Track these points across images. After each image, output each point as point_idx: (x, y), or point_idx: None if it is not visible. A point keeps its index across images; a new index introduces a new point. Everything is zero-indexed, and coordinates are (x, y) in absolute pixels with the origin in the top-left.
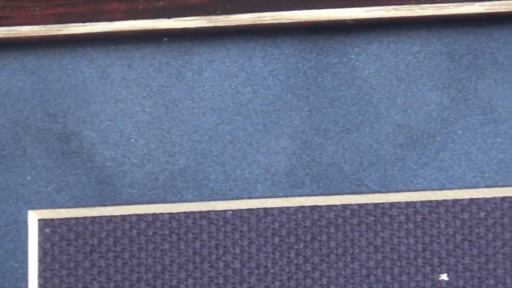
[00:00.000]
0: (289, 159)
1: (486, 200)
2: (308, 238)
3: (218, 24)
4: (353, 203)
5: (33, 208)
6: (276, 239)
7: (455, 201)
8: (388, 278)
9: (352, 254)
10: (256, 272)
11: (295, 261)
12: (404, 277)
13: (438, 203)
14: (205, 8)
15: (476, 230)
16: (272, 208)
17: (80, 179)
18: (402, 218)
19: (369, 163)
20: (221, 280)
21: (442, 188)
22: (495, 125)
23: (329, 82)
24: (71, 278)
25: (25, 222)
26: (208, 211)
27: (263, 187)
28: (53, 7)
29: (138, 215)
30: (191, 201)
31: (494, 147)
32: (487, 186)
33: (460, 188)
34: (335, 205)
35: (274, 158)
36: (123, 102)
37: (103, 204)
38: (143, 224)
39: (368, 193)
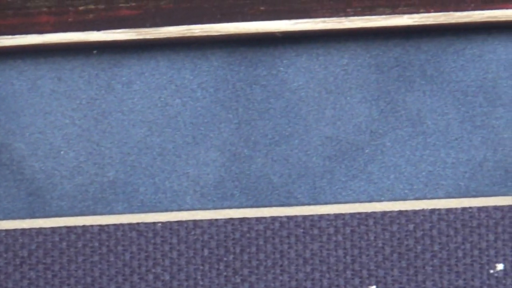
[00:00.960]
0: (218, 171)
1: (415, 212)
2: (237, 250)
3: (148, 36)
4: (282, 215)
5: None
6: (206, 251)
7: (384, 213)
8: None
9: (281, 266)
10: (186, 284)
11: (224, 273)
12: None
13: (367, 215)
14: (134, 20)
15: (405, 242)
16: (201, 220)
17: (10, 191)
18: (331, 230)
19: (298, 175)
20: None
21: (371, 200)
22: (424, 137)
23: (258, 94)
24: None
25: None
26: (138, 223)
27: (193, 199)
28: None
29: (68, 227)
30: (120, 213)
31: (422, 159)
32: (416, 198)
33: (389, 200)
34: (264, 217)
35: (203, 170)
36: (53, 114)
37: (33, 216)
38: (73, 236)
39: (297, 205)
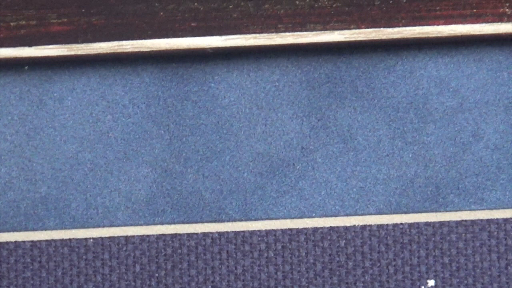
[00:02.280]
0: (150, 187)
1: (346, 228)
2: (169, 266)
3: (79, 52)
4: (213, 231)
5: None
6: (137, 267)
7: (315, 229)
8: None
9: (213, 282)
10: None
11: None
12: None
13: (298, 231)
14: (65, 36)
15: (336, 259)
16: (133, 236)
17: None
18: (263, 246)
19: (229, 191)
20: None
21: (302, 216)
22: (355, 154)
23: (190, 110)
24: None
25: None
26: (70, 239)
27: (124, 215)
28: None
29: (0, 243)
30: (52, 229)
31: (353, 175)
32: (347, 215)
33: (320, 216)
34: (196, 233)
35: (135, 186)
36: None
37: None
38: (4, 252)
39: (228, 221)
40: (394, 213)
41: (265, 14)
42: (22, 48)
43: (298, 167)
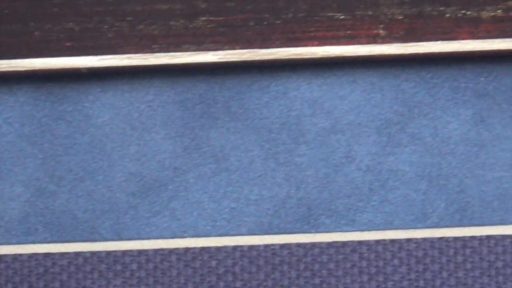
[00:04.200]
0: (23, 206)
1: (218, 248)
2: (41, 285)
3: None
4: (85, 250)
5: None
6: (10, 286)
7: (187, 250)
8: None
9: None
10: None
11: None
12: None
13: (170, 251)
14: None
15: (208, 279)
16: (5, 255)
17: None
18: (134, 266)
19: (102, 211)
20: None
21: (174, 236)
22: (227, 174)
23: (64, 129)
24: None
25: None
26: None
27: None
28: None
29: None
30: None
31: (226, 195)
32: (219, 235)
33: (192, 236)
34: (68, 252)
35: (8, 205)
36: None
37: None
38: None
39: (100, 240)
40: (265, 233)
41: (139, 35)
42: None
43: (170, 187)
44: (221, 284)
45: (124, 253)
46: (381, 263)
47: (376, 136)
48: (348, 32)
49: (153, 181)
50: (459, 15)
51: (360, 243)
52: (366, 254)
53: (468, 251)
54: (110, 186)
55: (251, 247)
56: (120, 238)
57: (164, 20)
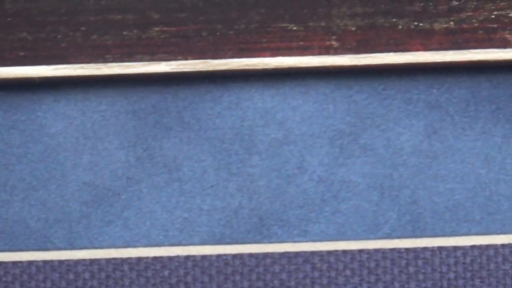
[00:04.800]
0: None
1: (170, 258)
2: None
3: None
4: (38, 259)
5: None
6: None
7: (139, 259)
8: None
9: None
10: None
11: None
12: None
13: (123, 260)
14: None
15: None
16: None
17: None
18: (87, 275)
19: (55, 220)
20: None
21: (126, 245)
22: (180, 184)
23: (17, 139)
24: None
25: None
26: None
27: None
28: None
29: None
30: None
31: (178, 205)
32: (171, 245)
33: (144, 246)
34: (21, 261)
35: None
36: None
37: None
38: None
39: (53, 249)
40: (218, 243)
41: (93, 45)
42: None
43: (123, 196)
44: None
45: (77, 262)
46: (333, 274)
47: (329, 147)
48: (301, 43)
49: (106, 190)
50: (412, 26)
51: (312, 253)
52: (318, 265)
53: (420, 262)
54: (63, 195)
55: (203, 257)
56: (72, 247)
57: (117, 30)
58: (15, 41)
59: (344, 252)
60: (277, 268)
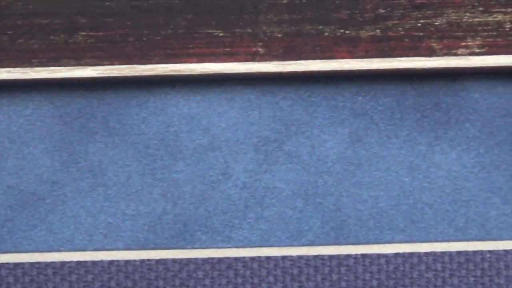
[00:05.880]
0: None
1: (94, 263)
2: None
3: None
4: None
5: None
6: None
7: (63, 264)
8: None
9: None
10: None
11: None
12: None
13: (47, 264)
14: None
15: None
16: None
17: None
18: (11, 279)
19: None
20: None
21: (50, 250)
22: (105, 189)
23: None
24: None
25: None
26: None
27: None
28: None
29: None
30: None
31: (103, 210)
32: (95, 249)
33: (68, 250)
34: None
35: None
36: None
37: None
38: None
39: None
40: (141, 249)
41: (19, 49)
42: None
43: (48, 201)
44: None
45: (1, 266)
46: (256, 280)
47: (253, 154)
48: (227, 49)
49: (30, 194)
50: (338, 34)
51: (236, 259)
52: (241, 271)
53: (343, 269)
54: None
55: (127, 262)
56: None
57: (44, 34)
58: None
59: (268, 258)
60: (200, 274)
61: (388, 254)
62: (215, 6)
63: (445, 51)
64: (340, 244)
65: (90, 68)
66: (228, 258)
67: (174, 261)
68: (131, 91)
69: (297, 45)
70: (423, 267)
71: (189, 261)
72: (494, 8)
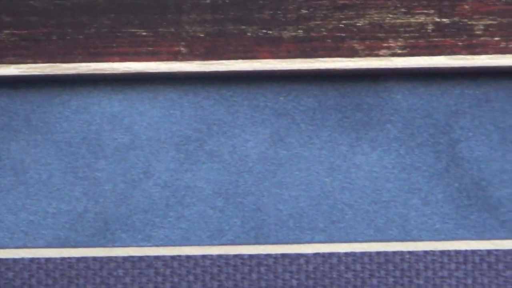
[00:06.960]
0: None
1: (15, 260)
2: None
3: None
4: None
5: None
6: None
7: None
8: None
9: None
10: None
11: None
12: None
13: None
14: None
15: None
16: None
17: None
18: None
19: None
20: None
21: None
22: (26, 187)
23: None
24: None
25: None
26: None
27: None
28: None
29: None
30: None
31: (24, 208)
32: (16, 247)
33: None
34: None
35: None
36: None
37: None
38: None
39: None
40: (62, 246)
41: None
42: None
43: None
44: None
45: None
46: (176, 279)
47: (175, 153)
48: (150, 48)
49: None
50: (260, 34)
51: (156, 258)
52: (161, 270)
53: (263, 269)
54: None
55: (48, 260)
56: None
57: None
58: None
59: (188, 257)
60: (120, 272)
61: (307, 254)
62: (138, 6)
63: (367, 52)
64: (260, 243)
65: (13, 66)
66: (148, 256)
67: (94, 259)
68: (53, 89)
69: (219, 45)
70: (342, 267)
71: (109, 259)
72: (416, 9)
